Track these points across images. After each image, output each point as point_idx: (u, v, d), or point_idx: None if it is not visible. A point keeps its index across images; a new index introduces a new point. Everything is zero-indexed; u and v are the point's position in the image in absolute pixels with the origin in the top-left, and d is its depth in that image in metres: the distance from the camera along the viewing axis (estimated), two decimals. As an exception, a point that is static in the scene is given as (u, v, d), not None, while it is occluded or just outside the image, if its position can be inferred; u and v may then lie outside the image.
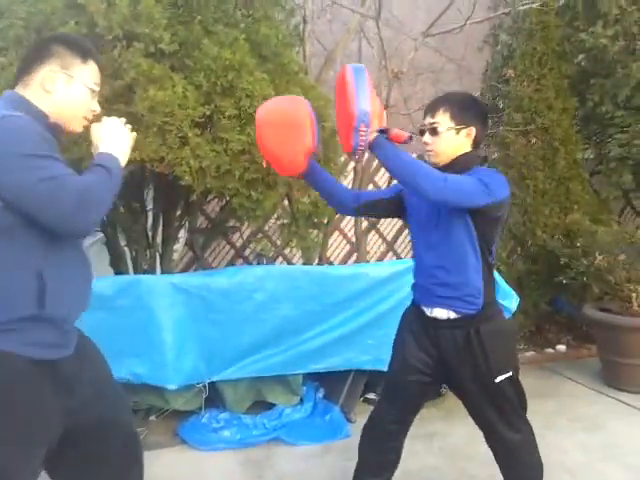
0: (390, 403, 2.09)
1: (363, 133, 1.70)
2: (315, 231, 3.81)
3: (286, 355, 3.13)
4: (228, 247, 5.13)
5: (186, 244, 4.74)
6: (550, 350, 4.58)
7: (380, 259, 5.47)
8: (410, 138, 1.80)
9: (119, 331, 2.80)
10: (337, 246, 5.38)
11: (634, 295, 3.83)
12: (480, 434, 2.08)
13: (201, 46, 2.63)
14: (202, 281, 2.91)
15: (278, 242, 5.03)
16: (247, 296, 2.98)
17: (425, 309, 1.99)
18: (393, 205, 2.09)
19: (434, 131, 1.89)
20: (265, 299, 3.02)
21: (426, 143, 1.92)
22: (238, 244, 5.12)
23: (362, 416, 3.36)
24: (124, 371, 2.84)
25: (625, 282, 3.81)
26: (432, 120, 1.90)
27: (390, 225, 5.50)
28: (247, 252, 5.17)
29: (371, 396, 3.53)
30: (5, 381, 1.35)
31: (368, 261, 5.31)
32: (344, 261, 5.39)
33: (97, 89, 1.60)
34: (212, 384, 3.17)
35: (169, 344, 2.84)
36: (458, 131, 1.88)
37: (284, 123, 1.87)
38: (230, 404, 3.23)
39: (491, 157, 4.69)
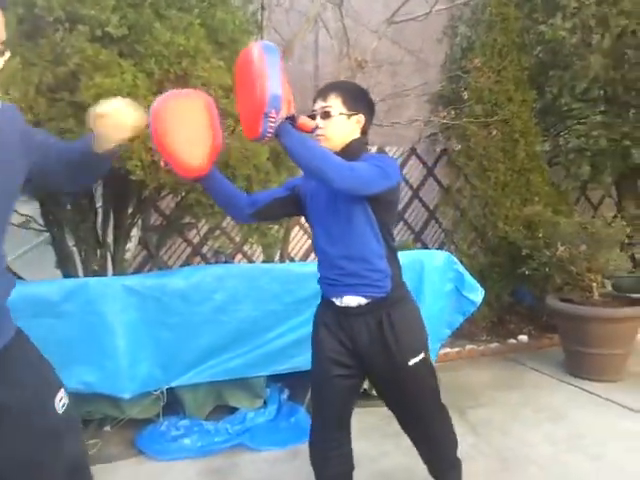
0: (323, 411, 2.01)
1: (272, 119, 1.56)
2: (276, 226, 3.68)
3: (247, 357, 2.99)
4: (184, 245, 4.94)
5: (139, 243, 4.54)
6: (512, 341, 4.60)
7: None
8: (317, 127, 1.76)
9: (68, 338, 2.60)
10: (298, 241, 5.26)
11: (595, 285, 3.86)
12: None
13: (152, 30, 2.45)
14: (157, 282, 2.74)
15: (237, 239, 4.87)
16: (206, 297, 2.83)
17: (335, 300, 1.93)
18: (289, 203, 2.02)
19: (326, 114, 1.86)
20: (225, 300, 2.88)
21: (317, 127, 1.86)
22: (195, 241, 4.94)
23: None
24: (74, 380, 2.63)
25: (586, 272, 3.84)
26: (324, 104, 1.87)
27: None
28: (205, 250, 5.00)
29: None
30: None
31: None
32: (306, 256, 5.28)
33: None
34: (170, 390, 3.01)
35: (122, 351, 2.66)
36: (349, 117, 1.87)
37: (187, 120, 1.74)
38: (190, 410, 3.08)
39: (452, 149, 4.65)
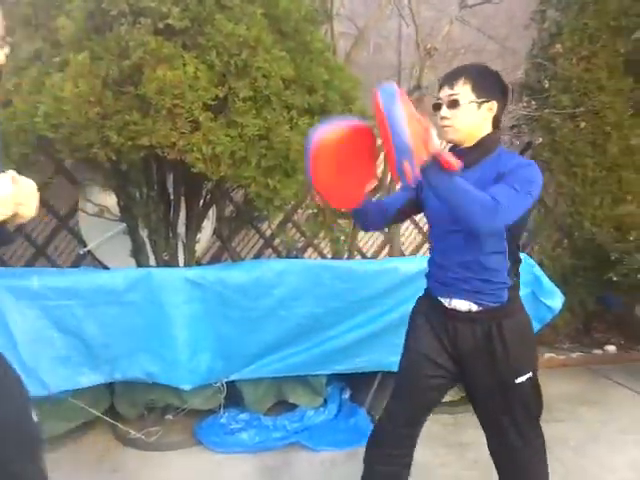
0: (401, 402, 1.90)
1: (407, 170, 1.44)
2: (345, 221, 3.59)
3: (308, 354, 2.93)
4: (257, 237, 4.97)
5: (214, 233, 4.61)
6: (598, 351, 4.24)
7: (415, 252, 5.20)
8: (460, 167, 1.53)
9: (132, 327, 2.66)
10: (370, 237, 5.14)
11: (694, 295, 3.47)
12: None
13: (214, 22, 2.43)
14: (218, 276, 2.73)
15: (309, 232, 4.83)
16: (266, 292, 2.79)
17: (443, 300, 1.81)
18: (416, 203, 1.90)
19: (454, 103, 1.69)
20: (285, 295, 2.83)
21: (444, 117, 1.72)
22: (267, 234, 4.95)
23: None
24: (138, 370, 2.70)
25: (684, 280, 3.46)
26: (451, 92, 1.70)
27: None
28: (277, 242, 4.99)
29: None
30: None
31: (403, 253, 5.08)
32: (377, 253, 5.14)
33: None
34: (231, 383, 3.02)
35: (182, 342, 2.68)
36: (480, 105, 1.70)
37: (348, 152, 1.59)
38: (250, 404, 3.07)
39: (535, 142, 4.34)
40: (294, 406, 3.14)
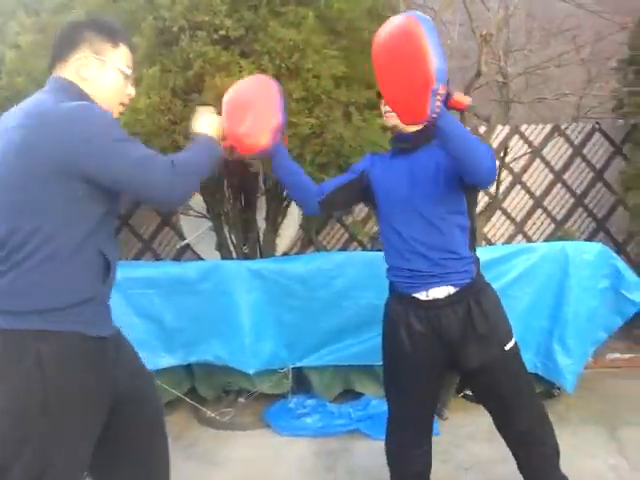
0: (403, 407, 1.91)
1: (440, 96, 1.43)
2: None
3: (368, 345, 2.98)
4: (342, 230, 5.09)
5: (301, 226, 4.81)
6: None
7: (508, 241, 5.01)
8: (469, 106, 1.60)
9: (203, 314, 2.91)
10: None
11: None
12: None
13: (267, 29, 2.58)
14: (278, 267, 2.90)
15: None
16: (326, 282, 2.91)
17: (418, 295, 1.79)
18: (356, 188, 1.91)
19: None
20: (345, 286, 2.92)
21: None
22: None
23: (455, 413, 3.13)
24: (209, 353, 2.95)
25: None
26: None
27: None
28: (361, 235, 5.08)
29: (470, 392, 3.26)
30: (77, 361, 1.38)
31: (492, 243, 4.94)
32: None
33: (129, 72, 1.58)
34: (300, 370, 3.18)
35: (247, 329, 2.88)
36: None
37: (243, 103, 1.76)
38: (318, 391, 3.21)
39: (629, 123, 3.99)
40: (362, 395, 3.23)
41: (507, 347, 1.78)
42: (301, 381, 3.28)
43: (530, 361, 3.00)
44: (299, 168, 1.92)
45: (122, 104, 1.61)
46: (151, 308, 2.88)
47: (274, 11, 2.62)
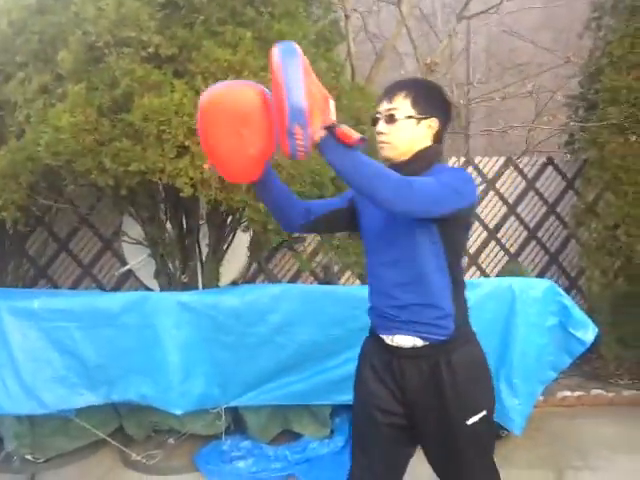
0: (368, 457, 1.71)
1: (299, 137, 1.32)
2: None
3: (309, 383, 2.83)
4: (293, 260, 4.94)
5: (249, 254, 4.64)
6: (656, 390, 3.79)
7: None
8: (361, 140, 1.40)
9: (126, 349, 2.69)
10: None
11: None
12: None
13: (202, 48, 2.45)
14: (211, 300, 2.72)
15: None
16: (261, 318, 2.74)
17: (385, 337, 1.65)
18: (347, 216, 1.76)
19: (391, 118, 1.58)
20: (281, 322, 2.76)
21: (380, 133, 1.60)
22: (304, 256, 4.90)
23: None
24: (132, 391, 2.73)
25: None
26: (389, 106, 1.59)
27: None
28: (314, 265, 4.94)
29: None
30: None
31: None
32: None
33: None
34: (235, 410, 2.98)
35: (175, 366, 2.68)
36: (419, 121, 1.58)
37: (235, 117, 1.46)
38: (254, 432, 3.01)
39: (580, 158, 4.00)
40: (301, 436, 3.04)
41: (469, 421, 1.58)
42: (237, 421, 3.08)
43: (476, 401, 2.90)
44: (285, 187, 1.73)
45: None
46: (70, 342, 2.65)
47: (210, 30, 2.50)
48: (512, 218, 4.88)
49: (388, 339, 1.65)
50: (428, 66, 2.48)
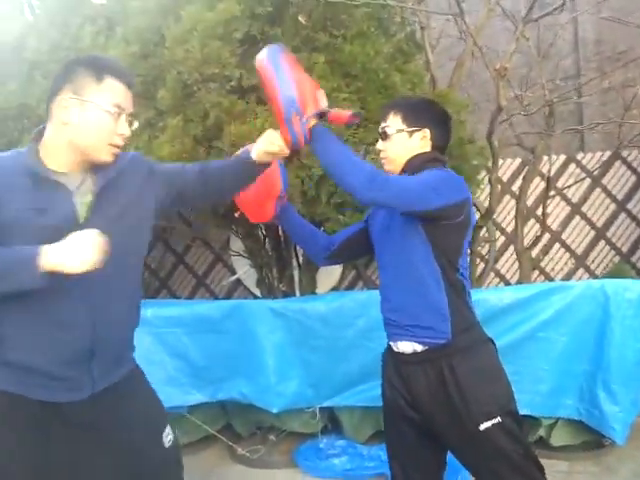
0: (400, 467, 1.80)
1: (296, 122, 1.50)
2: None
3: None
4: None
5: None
6: None
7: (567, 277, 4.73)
8: (355, 116, 1.59)
9: (228, 353, 2.97)
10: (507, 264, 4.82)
11: None
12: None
13: (279, 76, 2.66)
14: (299, 306, 2.92)
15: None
16: (348, 322, 2.89)
17: (392, 344, 1.73)
18: (363, 238, 1.88)
19: (385, 135, 1.74)
20: (369, 326, 2.88)
21: (380, 150, 1.77)
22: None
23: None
24: (235, 391, 3.00)
25: None
26: (384, 124, 1.75)
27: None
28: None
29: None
30: None
31: (552, 279, 4.68)
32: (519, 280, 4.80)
33: (117, 110, 1.40)
34: (331, 410, 3.15)
35: (271, 368, 2.91)
36: (411, 134, 1.71)
37: None
38: (348, 432, 3.16)
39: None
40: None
41: (482, 427, 1.57)
42: (333, 421, 3.25)
43: (573, 408, 2.84)
44: (304, 223, 1.98)
45: (113, 145, 1.43)
46: (179, 346, 2.98)
47: (288, 59, 2.70)
48: (623, 215, 4.60)
49: (395, 346, 1.72)
50: (498, 71, 2.48)
